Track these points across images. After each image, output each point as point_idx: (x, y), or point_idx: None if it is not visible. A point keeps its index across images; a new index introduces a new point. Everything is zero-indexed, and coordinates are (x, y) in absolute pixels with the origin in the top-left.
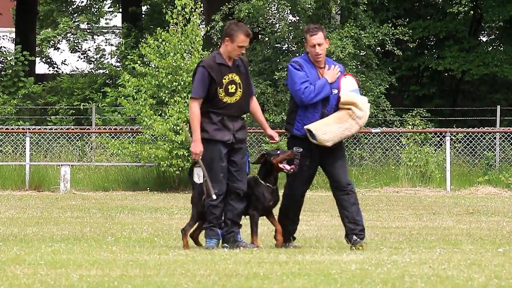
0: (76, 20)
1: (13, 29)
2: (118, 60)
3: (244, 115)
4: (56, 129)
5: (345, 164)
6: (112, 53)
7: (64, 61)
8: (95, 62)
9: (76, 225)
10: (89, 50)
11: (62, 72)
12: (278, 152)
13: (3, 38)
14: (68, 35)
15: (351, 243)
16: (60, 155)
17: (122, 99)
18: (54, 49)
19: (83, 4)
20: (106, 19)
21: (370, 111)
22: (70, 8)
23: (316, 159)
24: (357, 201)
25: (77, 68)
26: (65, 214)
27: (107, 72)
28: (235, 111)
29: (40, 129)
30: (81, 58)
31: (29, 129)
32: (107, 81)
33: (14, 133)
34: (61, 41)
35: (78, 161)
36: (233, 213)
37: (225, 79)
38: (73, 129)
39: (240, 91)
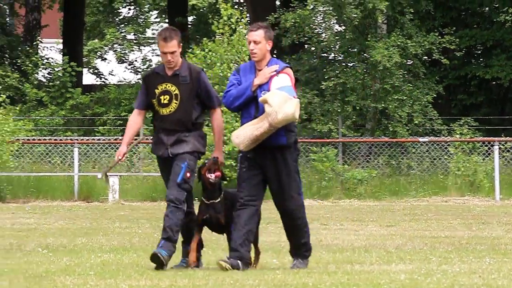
0: (123, 30)
1: (61, 40)
2: None
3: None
4: (104, 139)
5: (290, 185)
6: (159, 63)
7: (111, 72)
8: (142, 72)
9: (125, 236)
10: (135, 60)
11: (109, 82)
12: (206, 162)
13: (50, 49)
14: (115, 45)
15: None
16: (107, 166)
17: None
18: (101, 60)
19: (129, 14)
20: (152, 30)
21: (418, 120)
22: (117, 18)
23: (253, 165)
24: (303, 223)
25: (124, 79)
26: (114, 225)
27: None
28: (169, 124)
29: (88, 139)
30: (128, 69)
31: (77, 139)
32: None
33: (62, 144)
34: (108, 51)
35: (126, 171)
36: (168, 223)
37: (157, 89)
38: (121, 139)
39: (175, 103)
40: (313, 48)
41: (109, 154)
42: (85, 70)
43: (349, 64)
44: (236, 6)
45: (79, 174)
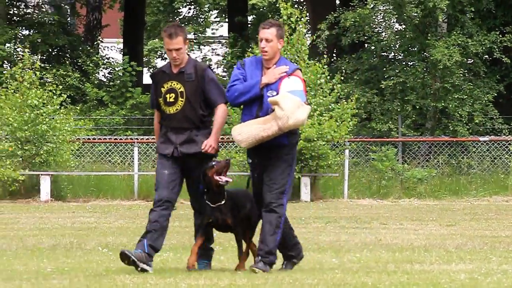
0: None
1: (121, 40)
2: (225, 69)
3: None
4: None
5: (276, 181)
6: (219, 63)
7: None
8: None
9: (184, 235)
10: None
11: None
12: (213, 163)
13: (111, 49)
14: None
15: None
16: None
17: (229, 108)
18: (161, 59)
19: (189, 14)
20: (212, 29)
21: (479, 119)
22: (177, 18)
23: (260, 170)
24: (277, 222)
25: None
26: (173, 224)
27: None
28: (177, 123)
29: (148, 139)
30: None
31: (137, 139)
32: None
33: (122, 143)
34: None
35: None
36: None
37: (163, 87)
38: None
39: (181, 101)
40: (372, 47)
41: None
42: (145, 70)
43: (409, 63)
44: (296, 5)
45: (139, 173)
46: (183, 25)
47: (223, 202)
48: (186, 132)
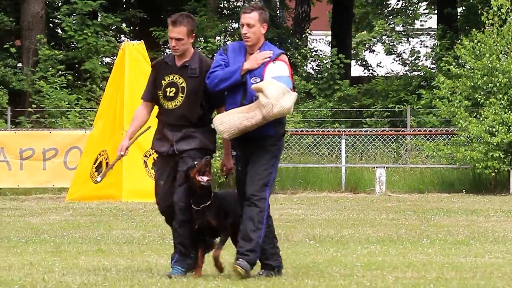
0: (391, 22)
1: (329, 32)
2: (433, 62)
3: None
4: (371, 131)
5: (259, 172)
6: (427, 55)
7: (379, 64)
8: (410, 64)
9: (392, 227)
10: (404, 52)
11: (377, 74)
12: (195, 162)
13: (319, 41)
14: (383, 37)
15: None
16: (375, 157)
17: (437, 101)
18: (369, 52)
19: (398, 6)
20: (421, 21)
21: None
22: (386, 10)
23: (244, 162)
24: (259, 218)
25: (392, 71)
26: (381, 216)
27: (422, 74)
28: (174, 119)
29: (355, 131)
30: (396, 61)
31: (344, 131)
32: (421, 83)
33: (330, 136)
34: (376, 43)
35: (393, 163)
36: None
37: (164, 80)
38: (388, 131)
39: (181, 96)
40: None
41: (376, 146)
42: (353, 62)
43: None
44: None
45: (346, 165)
46: (391, 16)
47: (208, 203)
48: (183, 130)
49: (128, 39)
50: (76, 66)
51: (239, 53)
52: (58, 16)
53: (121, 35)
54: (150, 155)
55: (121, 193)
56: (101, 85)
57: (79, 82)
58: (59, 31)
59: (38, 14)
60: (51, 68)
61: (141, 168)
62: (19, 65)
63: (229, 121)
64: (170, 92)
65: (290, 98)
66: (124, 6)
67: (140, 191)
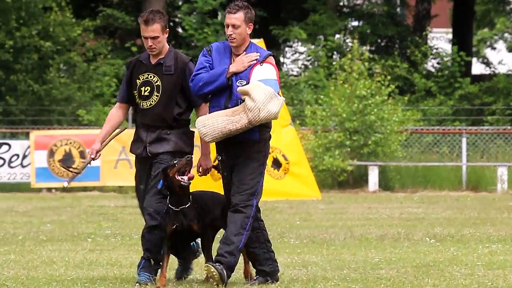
0: None
1: (450, 30)
2: None
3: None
4: (492, 129)
5: (246, 181)
6: None
7: (501, 61)
8: None
9: None
10: None
11: (499, 72)
12: (175, 161)
13: (440, 39)
14: (505, 35)
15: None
16: (496, 156)
17: None
18: (490, 49)
19: None
20: None
21: None
22: (508, 8)
23: (229, 168)
24: (243, 223)
25: None
26: (502, 215)
27: None
28: (149, 119)
29: (476, 129)
30: None
31: (465, 129)
32: None
33: (450, 134)
34: (498, 41)
35: None
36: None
37: (139, 79)
38: (510, 129)
39: (156, 95)
40: None
41: (497, 144)
42: (474, 60)
43: None
44: None
45: (467, 164)
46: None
47: (187, 205)
48: (157, 131)
49: None
50: None
51: (224, 54)
52: (178, 15)
53: None
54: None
55: None
56: None
57: None
58: (179, 30)
59: None
60: None
61: None
62: None
63: (212, 124)
64: (145, 91)
65: (278, 103)
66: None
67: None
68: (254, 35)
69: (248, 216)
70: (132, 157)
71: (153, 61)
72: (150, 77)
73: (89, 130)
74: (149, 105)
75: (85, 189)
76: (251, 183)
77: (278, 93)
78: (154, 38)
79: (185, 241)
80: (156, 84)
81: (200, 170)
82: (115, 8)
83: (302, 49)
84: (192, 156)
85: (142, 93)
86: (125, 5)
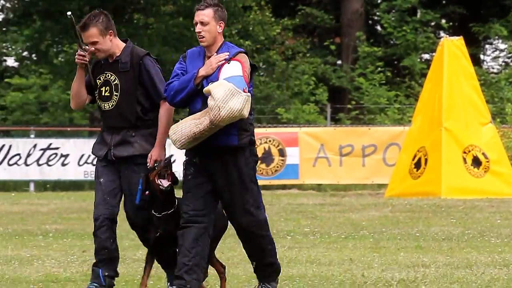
0: None
1: None
2: None
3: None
4: None
5: (246, 199)
6: None
7: None
8: None
9: None
10: None
11: None
12: (155, 165)
13: None
14: None
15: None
16: None
17: None
18: None
19: None
20: None
21: None
22: None
23: (204, 174)
24: (262, 230)
25: None
26: None
27: None
28: (113, 121)
29: None
30: None
31: None
32: None
33: None
34: None
35: None
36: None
37: (99, 79)
38: None
39: (116, 95)
40: None
41: None
42: None
43: None
44: None
45: None
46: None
47: (171, 210)
48: (121, 132)
49: (447, 35)
50: (395, 62)
51: (198, 59)
52: (377, 13)
53: (440, 31)
54: (469, 151)
55: (440, 190)
56: (420, 81)
57: (398, 79)
58: (378, 28)
59: (357, 11)
60: (370, 65)
61: (461, 164)
62: (339, 62)
63: (180, 130)
64: (105, 91)
65: (240, 99)
66: (444, 2)
67: (460, 187)
68: (453, 32)
69: (267, 234)
70: (331, 155)
71: (111, 59)
72: (108, 76)
73: (287, 129)
74: (111, 106)
75: (284, 187)
76: (249, 198)
77: (244, 89)
78: (93, 43)
79: (170, 249)
80: (114, 83)
81: (149, 162)
82: (314, 7)
83: (502, 46)
84: (170, 158)
85: (103, 94)
86: (324, 4)
